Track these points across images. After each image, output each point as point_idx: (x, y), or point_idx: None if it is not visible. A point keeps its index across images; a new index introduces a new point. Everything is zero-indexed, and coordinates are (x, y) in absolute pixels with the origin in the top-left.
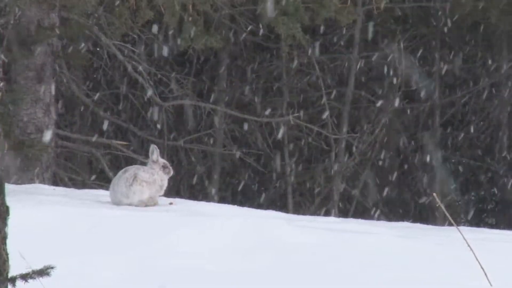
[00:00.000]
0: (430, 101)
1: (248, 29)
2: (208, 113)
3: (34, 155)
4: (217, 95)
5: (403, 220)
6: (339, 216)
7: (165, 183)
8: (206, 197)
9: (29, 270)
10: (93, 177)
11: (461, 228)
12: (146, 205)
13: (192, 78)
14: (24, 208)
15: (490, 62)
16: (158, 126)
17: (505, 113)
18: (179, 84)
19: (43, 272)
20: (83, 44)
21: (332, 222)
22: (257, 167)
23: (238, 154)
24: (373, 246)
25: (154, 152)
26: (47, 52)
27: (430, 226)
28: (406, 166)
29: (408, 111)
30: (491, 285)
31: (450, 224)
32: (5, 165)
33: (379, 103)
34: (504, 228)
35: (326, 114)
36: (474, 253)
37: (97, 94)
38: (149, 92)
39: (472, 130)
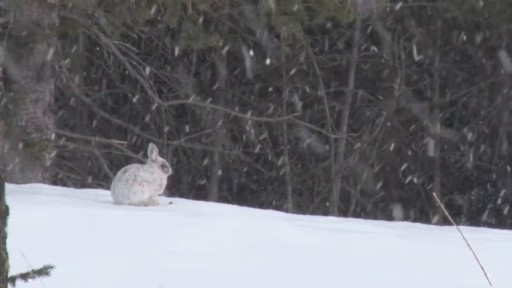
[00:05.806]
0: (430, 101)
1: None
2: (208, 112)
3: (34, 155)
4: (217, 95)
5: (403, 220)
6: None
7: (164, 182)
8: (206, 197)
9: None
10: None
11: (461, 227)
12: (146, 205)
13: (192, 78)
14: (24, 208)
15: (490, 62)
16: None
17: (505, 113)
18: (179, 84)
19: (42, 271)
20: (82, 44)
21: (332, 222)
22: (257, 167)
23: (237, 153)
24: (373, 246)
25: (153, 151)
26: (47, 52)
27: (430, 226)
28: (406, 166)
29: (408, 111)
30: (490, 284)
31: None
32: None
33: (379, 103)
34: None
35: (326, 114)
36: (474, 253)
37: (97, 94)
38: (149, 92)
39: (471, 130)
